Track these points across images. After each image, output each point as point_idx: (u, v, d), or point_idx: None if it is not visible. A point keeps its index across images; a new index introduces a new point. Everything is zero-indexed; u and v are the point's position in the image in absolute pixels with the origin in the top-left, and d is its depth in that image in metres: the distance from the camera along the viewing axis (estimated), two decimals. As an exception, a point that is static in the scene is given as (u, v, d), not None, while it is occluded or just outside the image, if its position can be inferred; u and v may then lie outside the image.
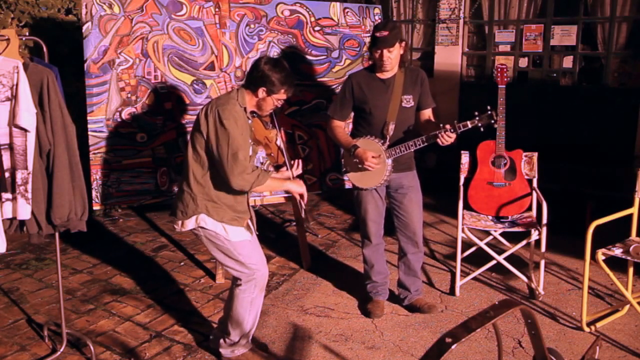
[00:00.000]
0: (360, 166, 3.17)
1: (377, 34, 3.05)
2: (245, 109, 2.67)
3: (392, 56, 3.09)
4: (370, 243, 3.41)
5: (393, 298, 3.59)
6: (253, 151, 2.79)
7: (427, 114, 3.31)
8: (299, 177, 3.00)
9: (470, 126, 3.00)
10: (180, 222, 2.75)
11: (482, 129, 3.02)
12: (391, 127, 3.17)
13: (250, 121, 2.73)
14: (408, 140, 3.15)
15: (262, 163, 3.50)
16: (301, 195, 2.87)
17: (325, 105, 4.22)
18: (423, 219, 3.44)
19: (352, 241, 4.70)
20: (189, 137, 2.80)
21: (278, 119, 3.84)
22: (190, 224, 2.72)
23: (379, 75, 3.21)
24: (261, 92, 2.66)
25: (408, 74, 3.22)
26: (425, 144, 3.09)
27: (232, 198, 2.72)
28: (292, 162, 3.05)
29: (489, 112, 2.99)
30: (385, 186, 3.32)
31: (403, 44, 3.15)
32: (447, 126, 2.96)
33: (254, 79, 2.66)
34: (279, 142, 3.07)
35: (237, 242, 2.73)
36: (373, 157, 3.11)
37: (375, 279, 3.47)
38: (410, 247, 3.37)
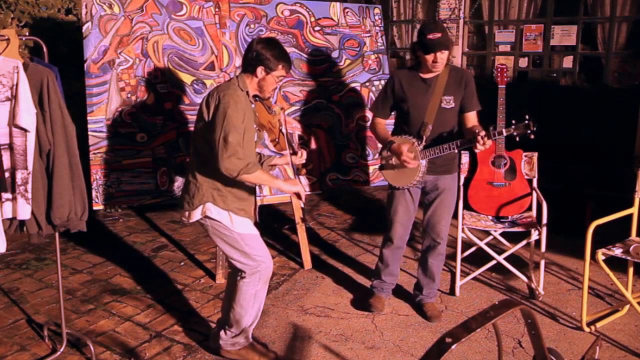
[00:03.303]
0: (394, 162, 3.15)
1: (430, 36, 2.93)
2: (247, 93, 2.67)
3: (444, 57, 3.01)
4: (392, 244, 3.37)
5: (393, 298, 3.59)
6: (258, 137, 2.77)
7: (471, 117, 3.19)
8: (303, 165, 2.98)
9: (505, 134, 2.95)
10: (187, 214, 2.76)
11: (517, 139, 2.97)
12: (429, 128, 3.09)
13: (253, 105, 2.73)
14: (446, 142, 3.08)
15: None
16: (298, 195, 2.82)
17: (325, 105, 4.23)
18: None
19: (352, 241, 4.70)
20: (193, 129, 2.79)
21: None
22: (196, 214, 2.72)
23: (421, 74, 3.14)
24: (260, 72, 2.65)
25: (452, 74, 3.13)
26: (459, 148, 3.05)
27: (239, 185, 2.71)
28: (298, 150, 3.04)
29: (527, 122, 2.89)
30: (420, 188, 3.29)
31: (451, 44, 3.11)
32: (482, 133, 2.90)
33: (250, 60, 2.66)
34: (283, 128, 3.07)
35: (243, 233, 2.73)
36: (409, 150, 3.05)
37: (385, 279, 3.46)
38: (431, 249, 3.33)
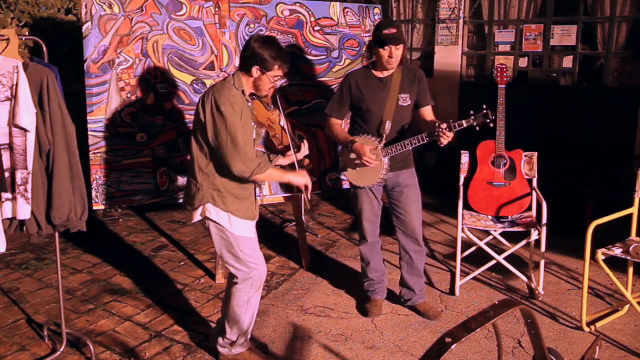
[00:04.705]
0: (357, 162, 3.17)
1: (386, 32, 3.02)
2: (243, 92, 2.65)
3: (399, 54, 3.08)
4: (367, 241, 3.43)
5: (393, 298, 3.59)
6: (257, 134, 2.77)
7: (427, 112, 3.29)
8: (307, 157, 2.98)
9: (465, 125, 2.99)
10: (188, 214, 2.77)
11: (477, 129, 3.01)
12: (388, 125, 3.16)
13: (250, 104, 2.71)
14: (405, 139, 3.14)
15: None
16: (305, 187, 2.83)
17: (325, 105, 4.23)
18: (423, 219, 3.43)
19: (352, 241, 4.70)
20: (192, 128, 2.78)
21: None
22: (197, 215, 2.72)
23: (376, 73, 3.20)
24: (255, 71, 2.63)
25: (406, 73, 3.22)
26: (422, 143, 3.08)
27: (238, 186, 2.70)
28: (300, 143, 3.03)
29: (485, 112, 2.98)
30: (381, 186, 3.32)
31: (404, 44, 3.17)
32: (443, 125, 2.96)
33: (247, 59, 2.64)
34: (283, 122, 3.06)
35: (240, 236, 2.71)
36: (371, 151, 3.09)
37: (372, 277, 3.47)
38: (411, 246, 3.37)
